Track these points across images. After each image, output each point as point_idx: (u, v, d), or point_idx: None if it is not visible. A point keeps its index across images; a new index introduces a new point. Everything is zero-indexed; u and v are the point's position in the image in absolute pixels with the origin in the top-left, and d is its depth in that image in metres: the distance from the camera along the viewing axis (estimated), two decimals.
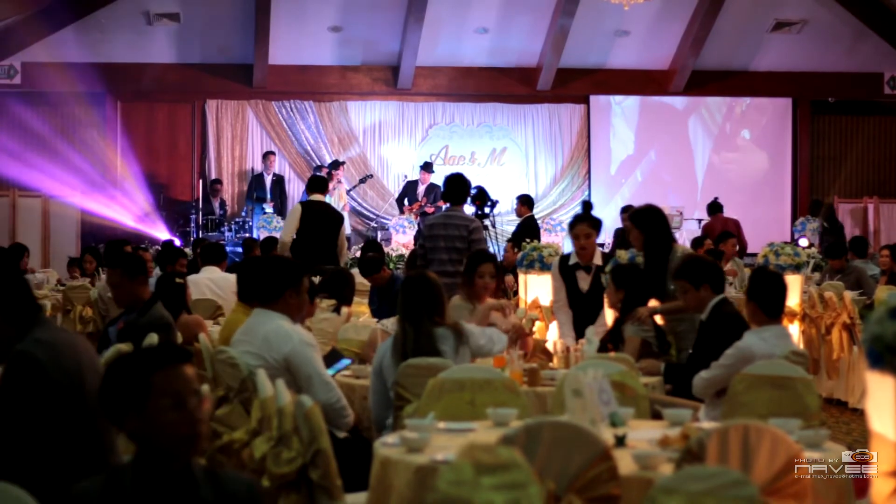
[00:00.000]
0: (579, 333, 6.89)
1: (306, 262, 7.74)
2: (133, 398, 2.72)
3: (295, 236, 10.15)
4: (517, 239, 12.86)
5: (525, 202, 14.67)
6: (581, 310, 7.34)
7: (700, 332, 5.98)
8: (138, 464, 2.73)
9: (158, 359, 2.76)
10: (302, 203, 10.50)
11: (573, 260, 7.53)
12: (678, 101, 18.91)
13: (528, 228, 13.82)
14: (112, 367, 2.83)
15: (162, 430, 2.70)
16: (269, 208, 16.71)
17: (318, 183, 10.82)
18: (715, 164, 19.13)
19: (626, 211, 14.03)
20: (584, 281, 7.45)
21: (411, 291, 5.41)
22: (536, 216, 18.28)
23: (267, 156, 17.45)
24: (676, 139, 19.09)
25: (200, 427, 2.75)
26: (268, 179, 17.19)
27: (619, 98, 18.90)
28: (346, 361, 5.98)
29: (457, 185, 8.66)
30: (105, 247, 12.69)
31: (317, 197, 10.54)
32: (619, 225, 13.74)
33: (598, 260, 7.53)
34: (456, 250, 8.27)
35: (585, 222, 7.52)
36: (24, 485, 2.75)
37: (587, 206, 8.18)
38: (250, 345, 5.18)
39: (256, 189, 17.09)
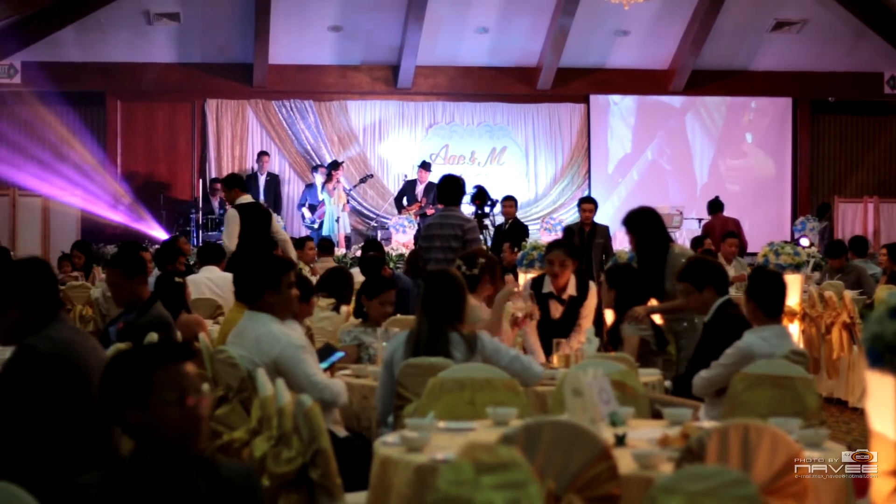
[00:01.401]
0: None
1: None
2: (134, 391, 2.73)
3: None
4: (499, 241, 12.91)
5: (515, 204, 14.58)
6: (551, 336, 6.75)
7: (704, 334, 5.99)
8: (136, 458, 2.74)
9: (163, 354, 2.78)
10: (236, 206, 10.45)
11: (547, 288, 7.17)
12: (678, 100, 18.91)
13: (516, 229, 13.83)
14: (114, 361, 2.84)
15: (165, 425, 2.71)
16: None
17: (241, 182, 10.77)
18: (714, 163, 19.14)
19: (589, 201, 13.94)
20: (556, 310, 7.15)
21: (433, 288, 5.35)
22: (537, 216, 18.36)
23: (261, 156, 17.41)
24: (676, 139, 19.10)
25: (202, 424, 2.77)
26: (261, 180, 17.15)
27: (617, 98, 18.90)
28: (339, 354, 5.96)
29: (450, 186, 8.59)
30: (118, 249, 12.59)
31: (246, 198, 10.57)
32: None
33: (572, 290, 7.14)
34: (451, 249, 8.24)
35: (562, 249, 7.18)
36: (26, 482, 2.75)
37: (569, 233, 8.02)
38: (242, 347, 5.17)
39: (250, 190, 17.04)
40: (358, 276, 9.21)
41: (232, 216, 10.37)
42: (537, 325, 7.12)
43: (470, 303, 6.57)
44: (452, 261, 7.90)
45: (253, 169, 17.69)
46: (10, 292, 3.64)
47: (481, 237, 8.88)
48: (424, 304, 5.33)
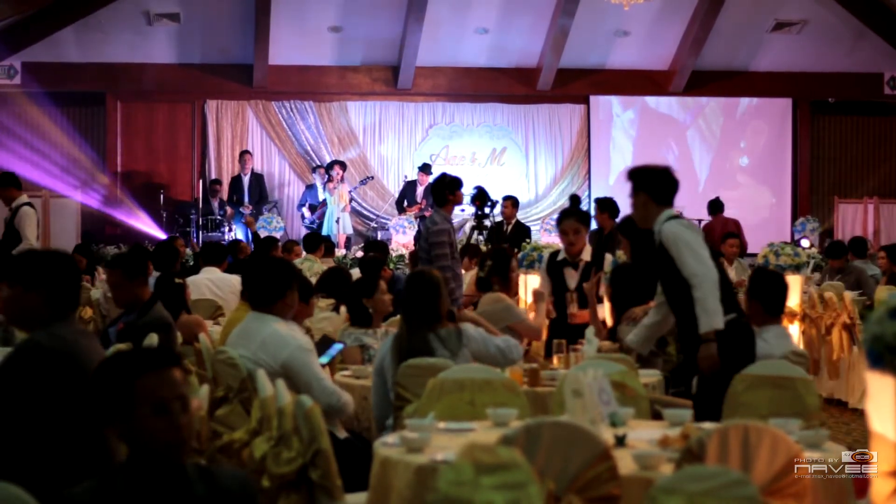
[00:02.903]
0: (569, 332, 6.72)
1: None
2: (117, 404, 2.72)
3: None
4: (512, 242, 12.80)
5: (515, 204, 14.53)
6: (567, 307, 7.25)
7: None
8: (130, 464, 2.73)
9: (140, 364, 2.75)
10: (30, 204, 10.51)
11: (561, 256, 7.45)
12: (678, 101, 18.90)
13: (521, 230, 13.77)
14: (95, 374, 2.81)
15: (145, 437, 2.70)
16: (245, 211, 16.67)
17: (18, 181, 10.73)
18: (714, 164, 19.13)
19: (597, 202, 13.80)
20: (571, 278, 7.34)
21: (408, 291, 5.42)
22: (537, 217, 18.36)
23: (243, 155, 17.35)
24: (676, 139, 19.09)
25: (184, 433, 2.73)
26: (245, 180, 17.12)
27: (618, 109, 18.85)
28: (338, 346, 5.96)
29: (436, 187, 8.62)
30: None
31: (24, 197, 10.56)
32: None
33: (586, 256, 7.38)
34: (424, 250, 8.36)
35: (573, 217, 7.42)
36: (21, 482, 2.74)
37: (575, 200, 8.08)
38: (246, 349, 5.17)
39: (235, 191, 17.05)
40: (357, 275, 9.20)
41: (30, 213, 10.35)
42: (554, 297, 7.31)
43: (506, 303, 6.66)
44: (426, 261, 8.14)
45: (256, 169, 17.67)
46: (39, 277, 3.66)
47: (452, 239, 8.67)
48: (403, 307, 5.43)
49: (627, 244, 7.10)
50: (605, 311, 7.23)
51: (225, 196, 17.38)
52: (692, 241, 5.21)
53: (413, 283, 5.44)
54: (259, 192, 17.12)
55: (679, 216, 5.39)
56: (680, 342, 5.62)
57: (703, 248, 5.21)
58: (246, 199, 16.90)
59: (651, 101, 18.94)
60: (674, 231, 5.25)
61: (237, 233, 16.43)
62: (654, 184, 5.44)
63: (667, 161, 18.84)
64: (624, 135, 19.03)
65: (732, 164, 19.18)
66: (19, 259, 3.76)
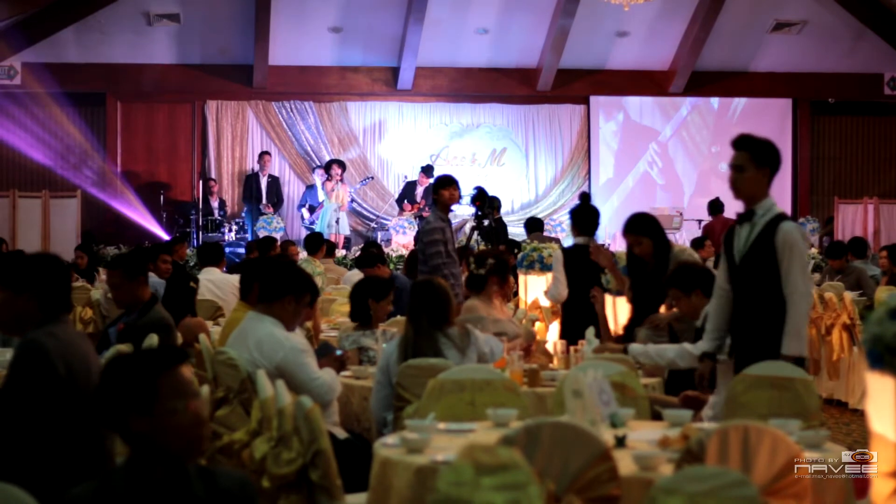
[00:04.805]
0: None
1: None
2: (138, 400, 2.69)
3: None
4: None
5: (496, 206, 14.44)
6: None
7: (696, 336, 5.97)
8: (132, 465, 2.71)
9: (164, 360, 2.74)
10: None
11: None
12: (679, 100, 18.90)
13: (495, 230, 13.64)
14: (113, 367, 2.79)
15: (172, 433, 2.68)
16: (264, 210, 16.73)
17: None
18: (714, 164, 19.13)
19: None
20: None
21: (416, 296, 5.50)
22: (538, 216, 18.32)
23: (262, 156, 17.41)
24: (676, 139, 19.09)
25: (206, 429, 2.76)
26: (263, 181, 17.15)
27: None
28: (336, 353, 5.98)
29: (434, 186, 8.78)
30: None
31: None
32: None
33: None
34: (421, 251, 8.53)
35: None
36: (24, 484, 2.74)
37: (585, 197, 8.00)
38: (242, 349, 5.18)
39: (250, 189, 17.07)
40: (357, 275, 9.20)
41: None
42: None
43: (478, 314, 6.64)
44: (423, 261, 8.26)
45: (254, 169, 17.68)
46: (27, 280, 3.66)
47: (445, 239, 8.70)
48: (409, 312, 5.50)
49: (650, 242, 6.94)
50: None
51: (226, 196, 17.40)
52: (804, 256, 5.05)
53: (419, 291, 5.51)
54: (276, 195, 17.16)
55: (787, 215, 5.15)
56: (733, 339, 5.33)
57: (807, 266, 5.07)
58: (264, 199, 16.95)
59: (649, 100, 18.93)
60: (794, 237, 5.04)
61: (250, 234, 16.44)
62: (773, 161, 5.15)
63: (666, 162, 18.94)
64: (614, 138, 19.02)
65: None
66: (8, 263, 3.75)
